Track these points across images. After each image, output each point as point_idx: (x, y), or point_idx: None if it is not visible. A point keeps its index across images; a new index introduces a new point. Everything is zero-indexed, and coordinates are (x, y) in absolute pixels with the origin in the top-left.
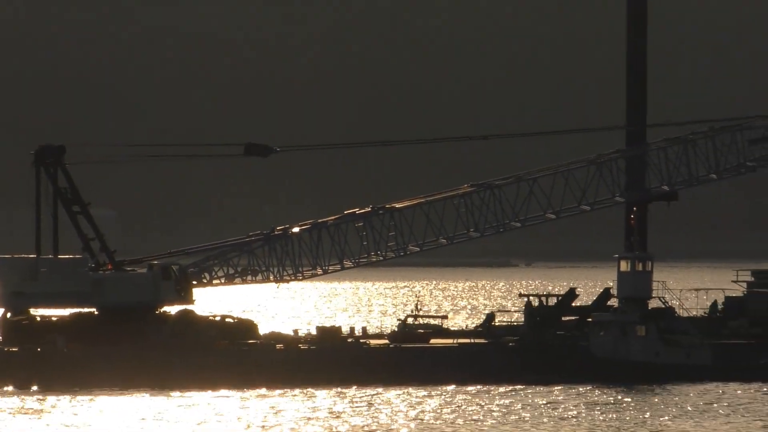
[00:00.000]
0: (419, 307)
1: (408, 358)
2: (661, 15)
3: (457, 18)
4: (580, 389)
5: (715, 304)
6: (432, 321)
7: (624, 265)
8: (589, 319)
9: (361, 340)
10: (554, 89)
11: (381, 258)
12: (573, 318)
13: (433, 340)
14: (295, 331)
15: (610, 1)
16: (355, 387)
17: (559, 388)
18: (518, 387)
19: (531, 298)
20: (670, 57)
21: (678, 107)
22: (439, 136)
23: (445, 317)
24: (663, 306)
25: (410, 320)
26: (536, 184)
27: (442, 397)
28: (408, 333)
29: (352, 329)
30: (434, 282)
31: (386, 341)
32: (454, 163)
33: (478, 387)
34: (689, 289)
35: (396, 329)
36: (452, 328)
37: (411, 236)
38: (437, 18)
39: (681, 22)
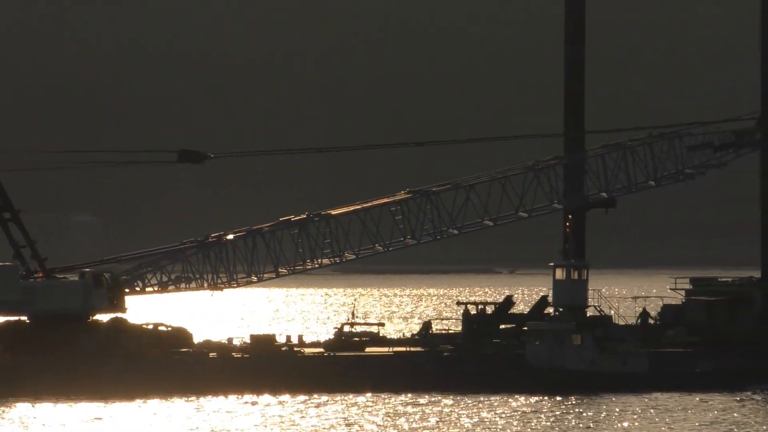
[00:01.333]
0: (355, 314)
1: (342, 366)
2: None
3: (396, 25)
4: (515, 398)
5: (645, 312)
6: (369, 329)
7: (559, 273)
8: (525, 328)
9: (296, 349)
10: (492, 96)
11: (316, 265)
12: (510, 326)
13: (368, 349)
14: (229, 340)
15: (548, 9)
16: (288, 395)
17: (495, 397)
18: (452, 395)
19: (469, 306)
20: (608, 64)
21: (616, 114)
22: (375, 143)
23: (382, 325)
24: (599, 314)
25: (347, 328)
26: (473, 191)
27: (375, 405)
28: (343, 341)
29: (288, 338)
30: (408, 288)
31: (322, 349)
32: (391, 170)
33: (412, 395)
34: (628, 297)
35: (333, 337)
36: (390, 336)
37: (347, 243)
38: (374, 25)
39: (619, 30)
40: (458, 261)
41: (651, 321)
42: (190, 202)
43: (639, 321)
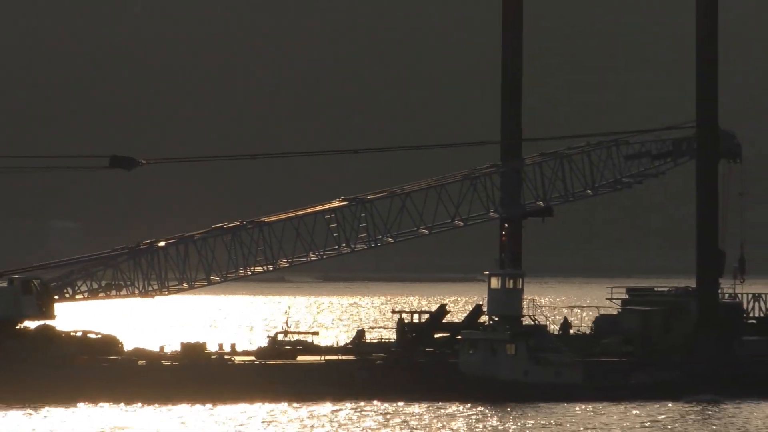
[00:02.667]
0: (289, 322)
1: (273, 374)
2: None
3: (333, 31)
4: (447, 407)
5: (565, 320)
6: (303, 337)
7: (494, 283)
8: (459, 337)
9: (226, 357)
10: (429, 103)
11: (249, 273)
12: (444, 335)
13: (300, 357)
14: (161, 348)
15: (485, 15)
16: (218, 403)
17: (427, 405)
18: (384, 404)
19: (403, 314)
20: (546, 71)
21: (554, 123)
22: (310, 149)
23: (316, 333)
24: (534, 324)
25: (281, 336)
26: (409, 198)
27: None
28: (275, 350)
29: (221, 345)
30: (386, 296)
31: (253, 358)
32: (326, 178)
33: (343, 404)
34: (565, 307)
35: (266, 345)
36: (323, 344)
37: (281, 251)
38: (313, 30)
39: (557, 38)
40: (439, 269)
41: (572, 331)
42: (171, 206)
43: (560, 330)
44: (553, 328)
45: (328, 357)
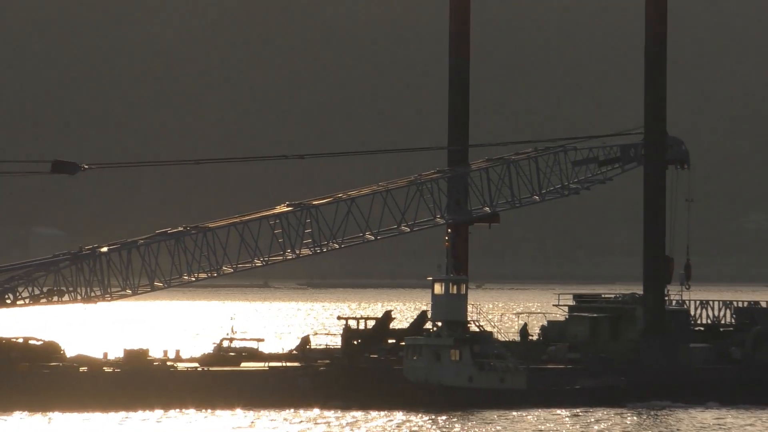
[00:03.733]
0: (234, 329)
1: (215, 381)
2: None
3: (280, 36)
4: (391, 414)
5: (524, 327)
6: (248, 344)
7: (438, 288)
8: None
9: (169, 363)
10: (375, 109)
11: (193, 279)
12: (390, 341)
13: (244, 364)
14: (105, 354)
15: (433, 21)
16: (160, 410)
17: (371, 412)
18: (328, 411)
19: (349, 320)
20: (493, 77)
21: (501, 128)
22: (256, 155)
23: (261, 340)
24: (479, 330)
25: (226, 343)
26: (355, 204)
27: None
28: (218, 356)
29: (165, 352)
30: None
31: (197, 364)
32: (271, 183)
33: (286, 411)
34: (512, 313)
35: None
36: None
37: (225, 257)
38: (258, 35)
39: (504, 43)
40: (418, 275)
41: (531, 337)
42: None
43: (520, 336)
44: (512, 334)
45: (271, 364)
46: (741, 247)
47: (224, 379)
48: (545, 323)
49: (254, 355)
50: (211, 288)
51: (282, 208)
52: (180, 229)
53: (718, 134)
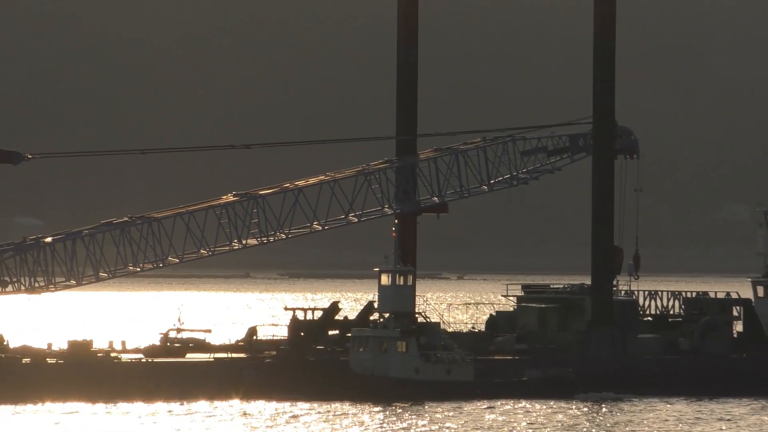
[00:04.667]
0: (181, 319)
1: (159, 372)
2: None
3: (230, 25)
4: (337, 405)
5: (491, 318)
6: (195, 335)
7: (384, 279)
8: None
9: (113, 354)
10: (323, 98)
11: (138, 269)
12: (336, 332)
13: (189, 355)
14: (49, 345)
15: (381, 10)
16: (103, 402)
17: (317, 404)
18: (273, 402)
19: (296, 311)
20: (442, 67)
21: (450, 118)
22: (202, 144)
23: (208, 331)
24: (426, 321)
25: (173, 333)
26: (302, 194)
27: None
28: (163, 347)
29: (111, 343)
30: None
31: (142, 355)
32: (218, 173)
33: (231, 402)
34: (459, 304)
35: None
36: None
37: (171, 247)
38: (202, 25)
39: (453, 32)
40: (443, 266)
41: (470, 328)
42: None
43: (488, 330)
44: (461, 325)
45: (217, 355)
46: (720, 239)
47: (168, 370)
48: (494, 313)
49: (201, 346)
50: (193, 278)
51: (228, 198)
52: (125, 219)
53: (697, 125)
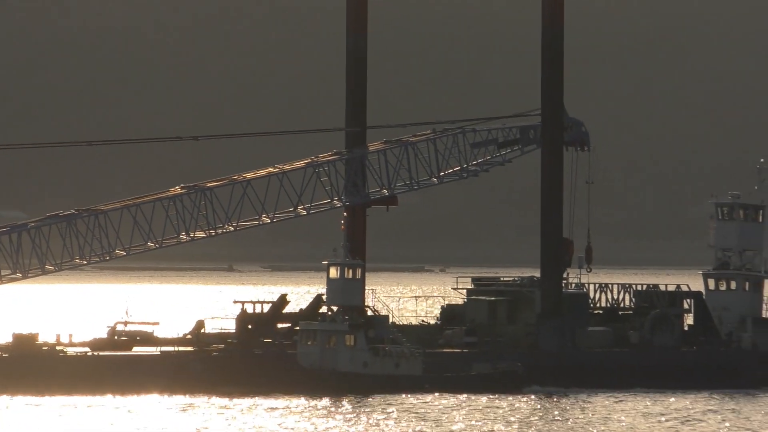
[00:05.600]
0: (128, 312)
1: (105, 366)
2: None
3: (170, 18)
4: (285, 399)
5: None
6: (143, 328)
7: (333, 272)
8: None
9: (58, 348)
10: (272, 90)
11: (84, 262)
12: (285, 326)
13: (136, 348)
14: None
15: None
16: (48, 396)
17: (264, 398)
18: (220, 396)
19: (245, 304)
20: (391, 58)
21: (400, 110)
22: (150, 136)
23: (156, 324)
24: (374, 314)
25: (120, 327)
26: (250, 186)
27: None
28: (110, 340)
29: (58, 336)
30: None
31: (88, 349)
32: (166, 165)
33: (177, 396)
34: (409, 297)
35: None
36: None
37: (118, 240)
38: (144, 18)
39: (403, 23)
40: (395, 259)
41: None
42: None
43: (438, 322)
44: (413, 318)
45: (164, 348)
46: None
47: (114, 363)
48: (444, 306)
49: (149, 339)
50: (177, 271)
51: (176, 191)
52: (72, 211)
53: (670, 119)
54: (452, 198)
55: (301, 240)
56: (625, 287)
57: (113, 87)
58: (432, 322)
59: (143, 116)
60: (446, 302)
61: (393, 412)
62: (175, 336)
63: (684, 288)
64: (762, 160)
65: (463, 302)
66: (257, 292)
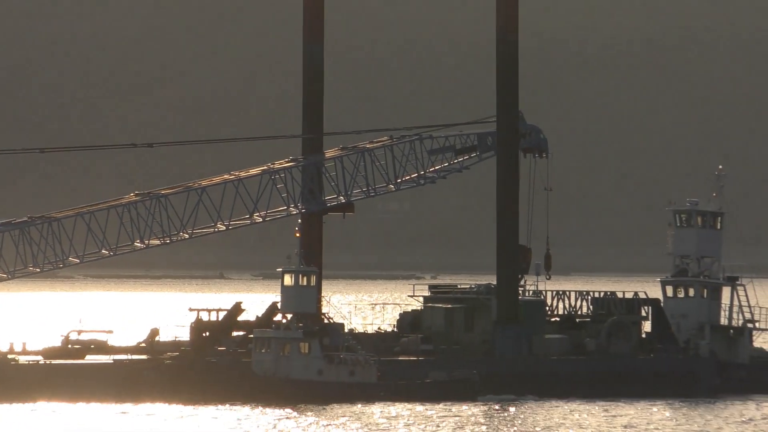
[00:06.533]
0: (82, 321)
1: (57, 374)
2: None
3: (124, 22)
4: (239, 408)
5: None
6: (97, 336)
7: (288, 280)
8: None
9: (9, 356)
10: (229, 96)
11: (38, 270)
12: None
13: (89, 357)
14: None
15: (286, 6)
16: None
17: (217, 407)
18: (174, 405)
19: (200, 312)
20: (348, 65)
21: (356, 116)
22: (105, 143)
23: (110, 332)
24: (329, 322)
25: (74, 335)
26: (205, 193)
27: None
28: (63, 349)
29: (11, 345)
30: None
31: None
32: (120, 172)
33: (130, 404)
34: (369, 304)
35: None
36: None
37: (72, 248)
38: (93, 24)
39: (359, 32)
40: (386, 267)
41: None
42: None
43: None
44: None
45: (116, 357)
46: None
47: (66, 372)
48: (401, 314)
49: (102, 348)
50: (168, 279)
51: (130, 198)
52: (25, 219)
53: (657, 123)
54: (443, 204)
55: (294, 247)
56: (583, 294)
57: (67, 94)
58: (389, 329)
59: (98, 124)
60: (403, 310)
61: (346, 419)
62: (130, 345)
63: (642, 295)
64: (720, 167)
65: (420, 310)
66: (220, 300)
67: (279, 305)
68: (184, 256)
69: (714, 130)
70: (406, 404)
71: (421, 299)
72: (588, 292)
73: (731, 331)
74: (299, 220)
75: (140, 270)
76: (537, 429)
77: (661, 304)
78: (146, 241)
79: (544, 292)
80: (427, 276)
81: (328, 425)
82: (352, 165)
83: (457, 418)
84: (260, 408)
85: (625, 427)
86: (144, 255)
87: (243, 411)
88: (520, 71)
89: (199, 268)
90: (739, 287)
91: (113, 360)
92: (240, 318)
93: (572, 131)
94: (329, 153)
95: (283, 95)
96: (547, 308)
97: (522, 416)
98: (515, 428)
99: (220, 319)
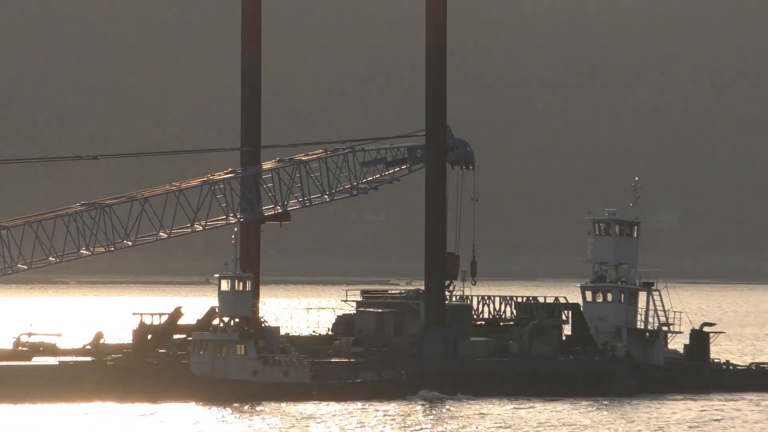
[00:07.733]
0: (32, 324)
1: (3, 375)
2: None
3: (73, 35)
4: (177, 408)
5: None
6: (46, 339)
7: (224, 285)
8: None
9: None
10: (170, 109)
11: None
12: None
13: (36, 358)
14: None
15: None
16: None
17: (157, 407)
18: (116, 405)
19: (143, 316)
20: (285, 80)
21: (293, 130)
22: (51, 155)
23: (59, 335)
24: (264, 325)
25: (24, 338)
26: (148, 203)
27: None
28: (12, 351)
29: None
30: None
31: None
32: (67, 182)
33: (75, 405)
34: (300, 309)
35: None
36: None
37: (20, 255)
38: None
39: (294, 47)
40: (358, 272)
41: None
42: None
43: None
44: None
45: (63, 359)
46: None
47: (12, 373)
48: (336, 317)
49: (51, 350)
50: (155, 285)
51: (76, 208)
52: None
53: (633, 134)
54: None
55: (286, 254)
56: (506, 299)
57: (13, 106)
58: (323, 332)
59: (44, 136)
60: (339, 313)
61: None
62: (77, 347)
63: (562, 300)
64: (636, 178)
65: (353, 313)
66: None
67: (217, 309)
68: (172, 262)
69: (633, 145)
70: (337, 404)
71: (354, 303)
72: (511, 297)
73: (647, 334)
74: (235, 229)
75: (130, 276)
76: (455, 426)
77: (581, 309)
78: (91, 249)
79: (470, 297)
80: (402, 282)
81: (262, 423)
82: (289, 176)
83: (385, 416)
84: (197, 407)
85: (541, 423)
86: (143, 260)
87: (181, 409)
88: (449, 87)
89: (184, 273)
90: (654, 292)
91: (59, 362)
92: (180, 321)
93: (498, 144)
94: (266, 165)
95: (223, 110)
96: (473, 312)
97: (445, 413)
98: (441, 426)
99: (161, 322)
